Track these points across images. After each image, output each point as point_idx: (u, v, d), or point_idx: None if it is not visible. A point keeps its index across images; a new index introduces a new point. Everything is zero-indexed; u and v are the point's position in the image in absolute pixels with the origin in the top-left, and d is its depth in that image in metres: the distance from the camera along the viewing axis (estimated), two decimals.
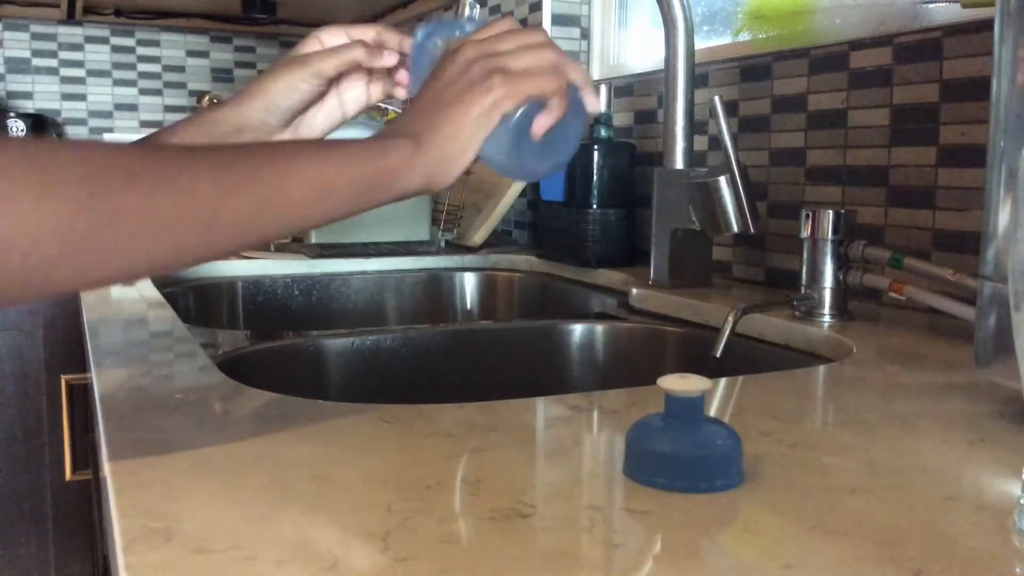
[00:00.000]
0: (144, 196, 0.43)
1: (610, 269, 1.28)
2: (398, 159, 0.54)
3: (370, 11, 2.61)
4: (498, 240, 1.70)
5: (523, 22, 1.80)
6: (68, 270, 0.42)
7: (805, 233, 0.92)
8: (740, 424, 0.53)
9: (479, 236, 1.58)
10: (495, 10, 1.91)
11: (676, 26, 1.12)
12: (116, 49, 2.71)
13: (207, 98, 2.34)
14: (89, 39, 2.68)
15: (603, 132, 1.35)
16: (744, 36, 1.33)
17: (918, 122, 0.97)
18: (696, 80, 1.16)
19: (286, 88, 0.67)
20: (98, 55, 2.69)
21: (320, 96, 0.70)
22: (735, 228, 1.02)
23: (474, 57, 0.58)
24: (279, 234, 0.51)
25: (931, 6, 0.96)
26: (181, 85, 2.79)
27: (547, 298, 1.41)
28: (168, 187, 0.44)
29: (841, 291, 0.91)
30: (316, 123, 0.70)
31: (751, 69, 1.21)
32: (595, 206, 1.32)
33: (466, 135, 0.56)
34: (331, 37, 0.70)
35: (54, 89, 2.65)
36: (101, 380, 0.65)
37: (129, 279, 0.46)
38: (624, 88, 1.49)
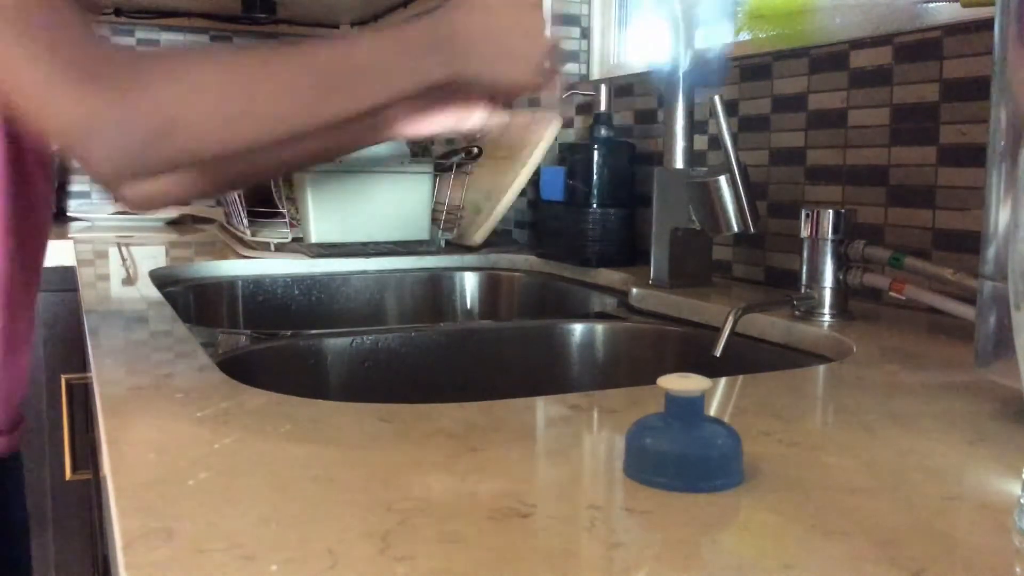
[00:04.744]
0: (268, 98, 0.63)
1: (610, 269, 1.28)
2: (442, 78, 0.69)
3: (370, 10, 2.61)
4: (498, 240, 1.70)
5: None
6: (220, 134, 0.61)
7: (805, 233, 0.92)
8: (740, 424, 0.53)
9: (479, 236, 1.57)
10: None
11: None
12: None
13: None
14: None
15: (603, 132, 1.35)
16: (744, 36, 1.33)
17: (918, 122, 0.97)
18: None
19: None
20: None
21: None
22: (735, 228, 1.02)
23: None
24: (356, 117, 0.68)
25: (931, 6, 0.96)
26: None
27: (547, 298, 1.41)
28: (283, 95, 0.64)
29: (841, 291, 0.91)
30: None
31: (751, 69, 1.21)
32: (595, 206, 1.32)
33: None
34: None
35: None
36: (101, 380, 0.65)
37: (259, 145, 0.65)
38: (624, 88, 1.49)
